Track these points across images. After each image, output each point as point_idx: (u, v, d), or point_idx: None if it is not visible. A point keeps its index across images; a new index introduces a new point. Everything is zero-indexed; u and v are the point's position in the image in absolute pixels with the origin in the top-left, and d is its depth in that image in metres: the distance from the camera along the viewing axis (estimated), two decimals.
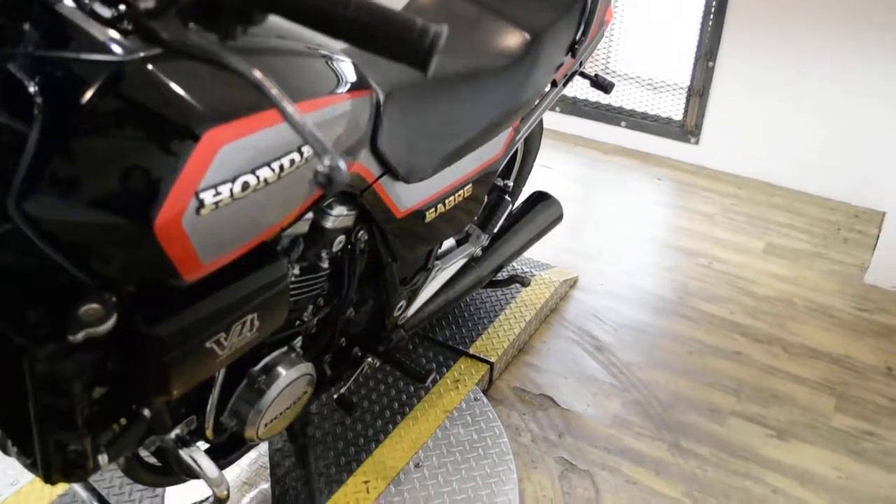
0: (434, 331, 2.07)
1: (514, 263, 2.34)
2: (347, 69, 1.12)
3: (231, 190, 0.85)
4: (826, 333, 2.26)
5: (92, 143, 0.78)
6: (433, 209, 1.44)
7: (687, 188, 3.06)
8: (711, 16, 2.90)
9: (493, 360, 1.97)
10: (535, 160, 2.11)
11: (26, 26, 0.70)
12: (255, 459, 1.68)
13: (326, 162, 0.61)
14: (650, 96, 3.26)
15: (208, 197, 0.83)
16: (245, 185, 0.87)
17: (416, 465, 1.68)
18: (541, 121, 2.02)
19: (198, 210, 0.83)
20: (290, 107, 0.65)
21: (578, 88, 3.35)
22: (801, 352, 2.18)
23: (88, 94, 0.77)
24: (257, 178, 0.89)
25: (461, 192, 1.50)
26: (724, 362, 2.13)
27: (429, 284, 1.68)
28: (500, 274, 1.99)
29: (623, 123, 3.28)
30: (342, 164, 0.61)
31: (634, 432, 1.88)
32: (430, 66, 0.64)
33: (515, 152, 2.06)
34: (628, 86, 3.29)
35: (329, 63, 1.09)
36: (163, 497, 1.60)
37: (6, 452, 1.10)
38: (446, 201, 1.47)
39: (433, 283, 1.71)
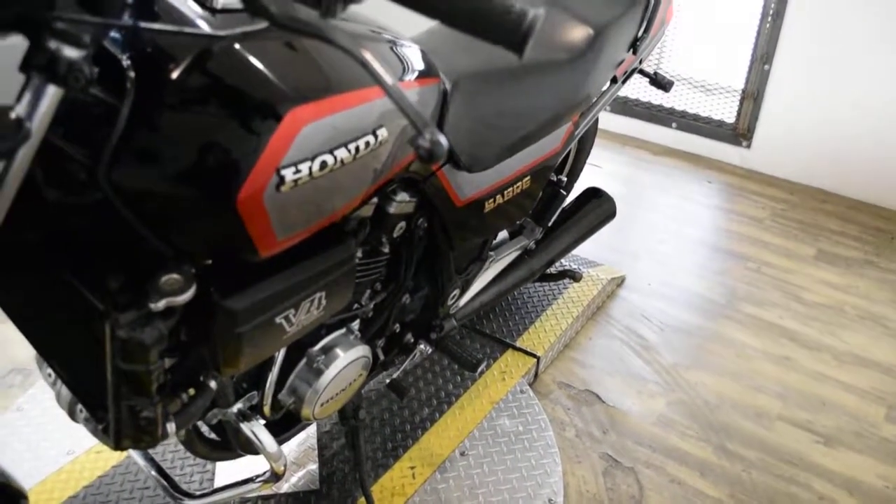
0: (482, 323, 2.08)
1: (564, 260, 2.34)
2: (416, 57, 1.14)
3: (310, 168, 0.88)
4: (877, 343, 2.22)
5: (181, 117, 0.81)
6: (492, 200, 1.45)
7: (737, 192, 3.03)
8: (769, 18, 2.87)
9: (539, 353, 1.98)
10: (588, 156, 2.11)
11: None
12: (303, 441, 1.71)
13: (427, 136, 0.63)
14: (702, 98, 3.23)
15: (289, 174, 0.86)
16: (323, 165, 0.89)
17: (462, 454, 1.70)
18: (596, 118, 2.02)
19: (278, 187, 0.85)
20: (392, 83, 0.67)
21: (629, 88, 3.33)
22: (851, 360, 2.15)
23: (179, 70, 0.79)
24: (335, 158, 0.91)
25: (519, 184, 1.51)
26: (771, 367, 2.11)
27: (482, 275, 1.69)
28: (551, 268, 1.99)
29: (674, 125, 3.26)
30: (443, 139, 0.63)
31: (679, 432, 1.87)
32: (525, 49, 0.66)
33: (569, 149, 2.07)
34: (680, 87, 3.26)
35: (397, 49, 1.10)
36: (213, 473, 1.63)
37: (74, 418, 1.14)
38: (505, 192, 1.48)
39: (486, 273, 1.72)
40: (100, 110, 0.80)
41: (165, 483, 1.33)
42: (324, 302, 1.05)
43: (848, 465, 1.81)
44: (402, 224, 1.31)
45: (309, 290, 1.02)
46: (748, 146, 3.11)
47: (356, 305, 1.35)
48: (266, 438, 1.19)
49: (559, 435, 1.82)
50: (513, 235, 1.81)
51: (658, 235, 2.72)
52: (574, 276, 2.02)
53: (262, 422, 1.26)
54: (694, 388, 2.02)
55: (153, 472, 1.35)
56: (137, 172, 0.81)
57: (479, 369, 1.64)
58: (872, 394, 2.03)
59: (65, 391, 1.12)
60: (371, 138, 0.96)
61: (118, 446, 1.00)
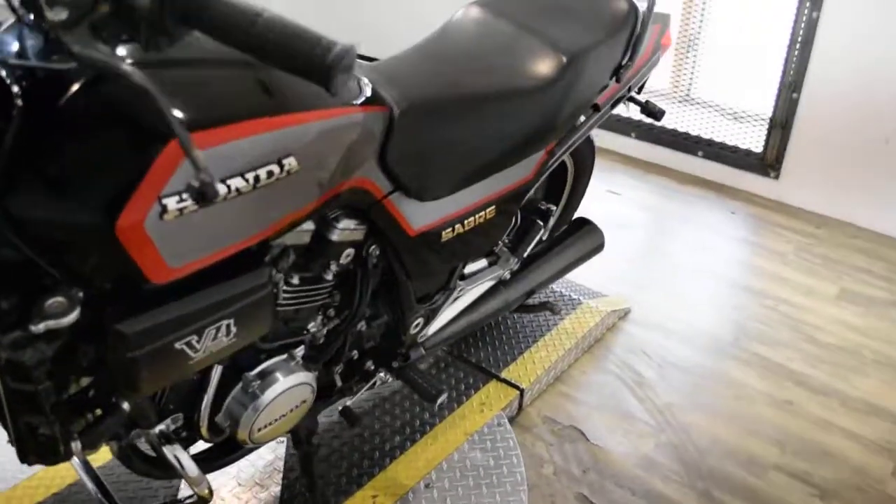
0: (469, 351, 2.04)
1: (563, 290, 2.29)
2: (362, 86, 1.14)
3: None
4: (892, 390, 2.10)
5: (59, 146, 0.81)
6: (450, 229, 1.42)
7: (762, 224, 2.92)
8: (798, 45, 2.77)
9: (523, 386, 1.93)
10: (587, 185, 2.06)
11: None
12: (270, 462, 1.70)
13: (201, 176, 0.61)
14: (730, 126, 3.14)
15: (172, 203, 0.85)
16: None
17: (427, 486, 1.66)
18: (593, 145, 1.97)
19: (161, 215, 0.85)
20: (175, 121, 0.65)
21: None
22: (861, 407, 2.03)
23: (61, 100, 0.80)
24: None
25: (483, 213, 1.48)
26: (772, 411, 2.01)
27: (451, 304, 1.66)
28: (532, 299, 1.94)
29: (700, 153, 3.16)
30: (219, 186, 0.62)
31: (663, 475, 1.80)
32: (332, 83, 0.64)
33: (565, 176, 2.02)
34: (709, 114, 3.17)
35: None
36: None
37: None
38: (465, 222, 1.45)
39: (457, 303, 1.68)
40: None
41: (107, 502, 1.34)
42: (234, 329, 1.04)
43: None
44: (350, 251, 1.30)
45: (213, 318, 1.00)
46: (776, 177, 3.00)
47: (304, 331, 1.34)
48: (186, 462, 1.18)
49: (536, 471, 1.77)
50: (490, 264, 1.77)
51: (673, 267, 2.64)
52: (553, 308, 1.97)
53: (206, 445, 1.26)
54: (686, 429, 1.94)
55: (99, 496, 1.36)
56: (21, 199, 0.82)
57: (439, 401, 1.59)
58: (880, 445, 1.91)
59: None
60: (275, 167, 0.95)
61: (23, 461, 1.02)
